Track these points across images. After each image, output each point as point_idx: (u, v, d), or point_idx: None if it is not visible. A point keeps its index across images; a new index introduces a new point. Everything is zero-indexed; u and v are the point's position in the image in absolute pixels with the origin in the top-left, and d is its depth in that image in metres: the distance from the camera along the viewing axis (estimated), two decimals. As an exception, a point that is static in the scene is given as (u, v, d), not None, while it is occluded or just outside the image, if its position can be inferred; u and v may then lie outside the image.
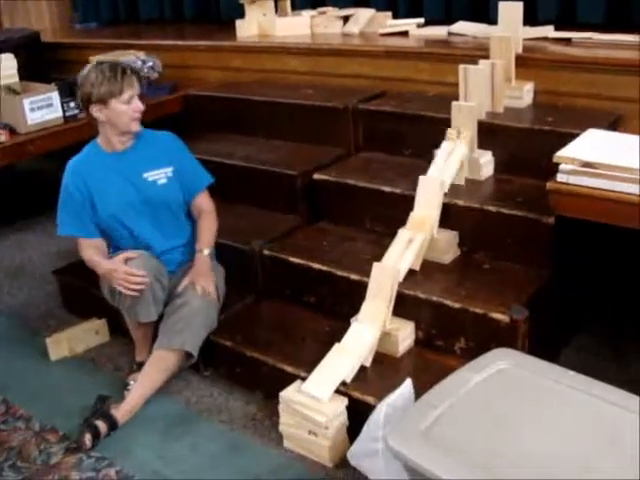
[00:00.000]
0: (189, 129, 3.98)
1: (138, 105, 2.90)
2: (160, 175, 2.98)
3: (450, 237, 2.88)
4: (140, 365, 2.95)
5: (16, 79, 3.97)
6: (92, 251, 2.94)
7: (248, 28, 4.46)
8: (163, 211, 3.00)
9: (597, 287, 3.12)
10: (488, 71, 3.19)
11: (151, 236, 3.01)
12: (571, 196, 2.40)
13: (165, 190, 2.98)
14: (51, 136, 3.72)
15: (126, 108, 2.86)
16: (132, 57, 4.22)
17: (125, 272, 2.78)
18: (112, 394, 2.88)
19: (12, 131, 3.65)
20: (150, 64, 4.25)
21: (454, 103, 3.05)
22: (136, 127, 2.93)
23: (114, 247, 3.04)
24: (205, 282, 2.91)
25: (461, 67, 3.16)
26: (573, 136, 2.64)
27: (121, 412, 2.74)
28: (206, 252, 2.98)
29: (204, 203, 3.08)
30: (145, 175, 2.96)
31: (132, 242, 2.99)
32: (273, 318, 3.09)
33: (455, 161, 2.98)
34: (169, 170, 3.00)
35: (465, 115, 3.00)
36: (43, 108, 3.70)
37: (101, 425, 2.67)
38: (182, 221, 3.08)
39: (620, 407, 1.93)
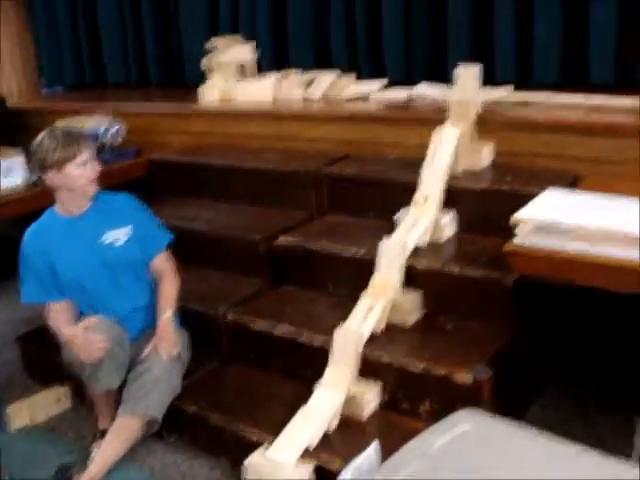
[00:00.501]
0: (153, 194, 4.00)
1: (93, 168, 2.93)
2: (119, 236, 2.98)
3: (413, 299, 2.89)
4: (103, 433, 2.91)
5: (-19, 144, 3.97)
6: (58, 316, 2.93)
7: (211, 93, 4.50)
8: (124, 273, 2.99)
9: (561, 344, 3.14)
10: (452, 134, 3.25)
11: (113, 299, 2.99)
12: (529, 257, 2.43)
13: (124, 251, 2.98)
14: (17, 202, 3.69)
15: (81, 172, 2.88)
16: (96, 122, 4.24)
17: (85, 339, 2.76)
18: (75, 463, 2.83)
19: (-23, 196, 3.64)
20: (114, 129, 4.26)
21: (424, 165, 3.11)
22: (93, 190, 2.96)
23: (76, 313, 3.02)
24: (168, 346, 2.89)
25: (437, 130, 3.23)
26: (532, 196, 2.68)
27: None
28: (168, 315, 2.96)
29: (164, 264, 3.07)
30: (104, 237, 2.96)
31: (94, 306, 2.97)
32: (237, 383, 3.06)
33: (422, 225, 3.02)
34: (128, 230, 3.00)
35: (432, 178, 3.05)
36: (8, 173, 3.69)
37: None
38: (144, 282, 3.07)
39: (586, 466, 1.94)
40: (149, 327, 3.00)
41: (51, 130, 2.96)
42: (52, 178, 2.88)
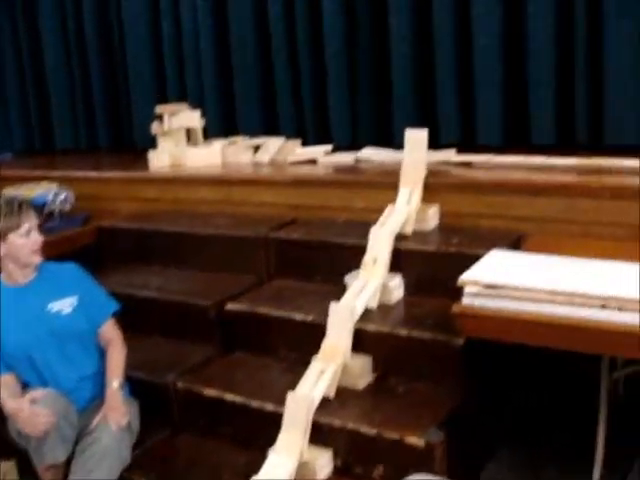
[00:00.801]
0: (102, 261, 3.98)
1: (37, 238, 2.92)
2: (64, 306, 2.95)
3: (363, 363, 2.89)
4: (52, 507, 2.85)
5: None
6: (2, 389, 2.86)
7: (160, 158, 4.52)
8: (70, 342, 2.95)
9: (513, 403, 3.16)
10: (403, 196, 3.30)
11: (60, 369, 2.94)
12: (476, 318, 2.45)
13: (71, 320, 2.94)
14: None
15: (25, 241, 2.87)
16: (44, 189, 4.22)
17: (30, 413, 2.71)
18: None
19: None
20: (62, 197, 4.24)
21: (373, 228, 3.14)
22: (37, 259, 2.94)
23: (22, 384, 2.96)
24: (117, 416, 2.84)
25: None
26: (478, 257, 2.73)
27: None
28: (116, 384, 2.92)
29: (111, 332, 3.04)
30: (50, 306, 2.93)
31: (41, 377, 2.92)
32: (189, 452, 3.01)
33: (371, 288, 3.04)
34: (73, 300, 2.97)
35: (381, 240, 3.09)
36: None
37: None
38: (92, 351, 3.02)
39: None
40: (98, 397, 2.95)
41: None
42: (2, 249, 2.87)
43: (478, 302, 2.45)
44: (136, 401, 3.04)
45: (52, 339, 2.92)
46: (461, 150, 3.89)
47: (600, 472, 2.62)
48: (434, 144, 4.02)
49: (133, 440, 2.94)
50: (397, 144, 4.19)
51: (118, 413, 2.85)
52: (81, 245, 4.04)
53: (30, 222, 2.90)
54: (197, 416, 3.09)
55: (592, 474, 2.61)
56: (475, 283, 2.46)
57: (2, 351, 2.88)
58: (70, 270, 3.06)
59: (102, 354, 3.04)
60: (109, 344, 3.02)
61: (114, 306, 3.09)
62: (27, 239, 2.87)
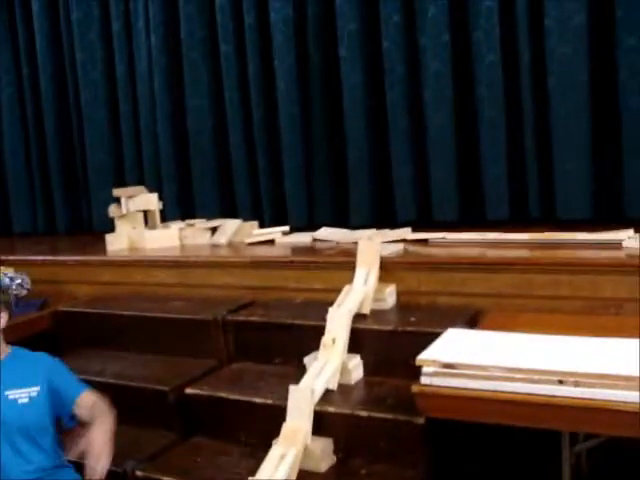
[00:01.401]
0: (59, 346, 3.92)
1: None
2: (22, 394, 2.85)
3: (324, 445, 2.86)
4: None
5: None
6: None
7: (118, 241, 4.53)
8: (19, 434, 2.83)
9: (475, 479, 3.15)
10: (361, 276, 3.34)
11: (6, 460, 2.82)
12: (435, 397, 2.46)
13: (24, 410, 2.83)
14: None
15: None
16: (0, 274, 4.19)
17: None
18: None
19: None
20: (19, 281, 4.20)
21: (331, 308, 3.16)
22: None
23: None
24: None
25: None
26: (436, 335, 2.76)
27: None
28: (99, 469, 2.72)
29: (90, 403, 2.89)
30: (7, 393, 2.84)
31: None
32: None
33: (330, 369, 3.03)
34: (34, 390, 2.86)
35: (340, 320, 3.10)
36: None
37: None
38: (44, 446, 2.88)
39: None
40: None
41: None
42: (4, 318, 2.87)
43: (436, 381, 2.46)
44: None
45: (2, 427, 2.81)
46: (417, 228, 3.95)
47: None
48: (391, 223, 4.10)
49: None
50: (353, 224, 4.27)
51: None
52: (38, 330, 3.98)
53: None
54: (157, 505, 3.03)
55: None
56: (433, 362, 2.47)
57: None
58: (39, 360, 2.98)
59: (59, 450, 2.93)
60: (93, 420, 2.85)
61: (84, 386, 2.98)
62: None
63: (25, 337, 3.58)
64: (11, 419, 2.83)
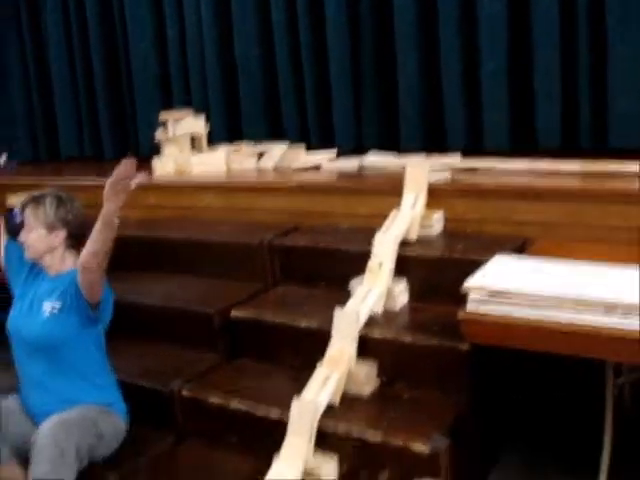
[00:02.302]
0: (107, 269, 3.96)
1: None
2: (47, 307, 2.92)
3: (368, 369, 2.88)
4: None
5: None
6: None
7: (165, 165, 4.52)
8: (37, 346, 2.93)
9: (519, 409, 3.15)
10: (408, 202, 3.31)
11: (22, 364, 2.98)
12: (481, 324, 2.45)
13: (43, 324, 2.91)
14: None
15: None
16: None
17: None
18: None
19: None
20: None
21: (378, 233, 3.14)
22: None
23: None
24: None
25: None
26: (482, 262, 2.73)
27: None
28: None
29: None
30: (43, 304, 2.94)
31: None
32: (193, 460, 3.00)
33: (376, 294, 3.03)
34: (56, 305, 2.92)
35: (387, 246, 3.08)
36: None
37: None
38: (55, 365, 2.93)
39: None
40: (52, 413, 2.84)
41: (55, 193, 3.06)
42: (60, 235, 2.98)
43: (483, 308, 2.44)
44: (115, 413, 2.99)
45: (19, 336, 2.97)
46: (466, 155, 3.88)
47: (606, 478, 2.61)
48: (440, 148, 4.03)
49: (105, 449, 2.91)
50: (403, 149, 4.21)
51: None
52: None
53: None
54: (202, 424, 3.08)
55: (598, 480, 2.61)
56: (480, 289, 2.46)
57: None
58: (69, 274, 3.01)
59: (68, 377, 2.96)
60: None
61: None
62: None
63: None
64: (33, 331, 2.92)
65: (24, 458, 2.76)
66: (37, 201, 3.00)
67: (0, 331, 3.09)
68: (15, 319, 3.01)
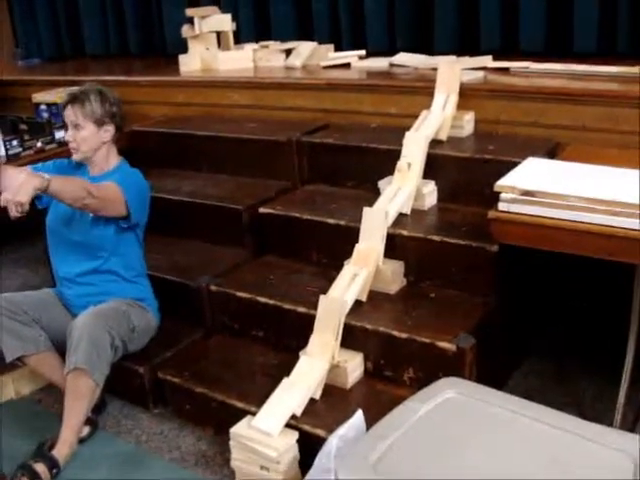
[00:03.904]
0: (134, 165, 3.94)
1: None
2: None
3: (396, 267, 2.90)
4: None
5: (-43, 118, 3.93)
6: None
7: (191, 62, 4.48)
8: (82, 248, 2.97)
9: (543, 310, 3.17)
10: (440, 102, 3.27)
11: (61, 263, 3.03)
12: (512, 224, 2.43)
13: (91, 225, 2.93)
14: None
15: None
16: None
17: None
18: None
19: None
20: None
21: (408, 133, 3.11)
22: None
23: None
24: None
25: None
26: (513, 164, 2.69)
27: (60, 452, 2.69)
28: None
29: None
30: None
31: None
32: (221, 353, 3.06)
33: (404, 193, 3.02)
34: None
35: (416, 145, 3.06)
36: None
37: (40, 468, 2.62)
38: (94, 256, 2.99)
39: (564, 430, 1.97)
40: (91, 303, 2.91)
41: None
42: (109, 130, 2.98)
43: (514, 208, 2.42)
44: (147, 308, 3.04)
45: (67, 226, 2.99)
46: (500, 57, 3.80)
47: (628, 384, 2.63)
48: (474, 50, 3.95)
49: (137, 342, 2.98)
50: (434, 51, 4.13)
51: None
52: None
53: None
54: (230, 318, 3.13)
55: (620, 386, 2.62)
56: (512, 189, 2.43)
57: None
58: (112, 175, 3.02)
59: (105, 273, 3.01)
60: None
61: (125, 191, 2.88)
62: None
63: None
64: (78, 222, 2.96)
65: (62, 347, 2.81)
66: (81, 98, 2.94)
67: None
68: (58, 219, 3.00)
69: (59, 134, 3.73)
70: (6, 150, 3.68)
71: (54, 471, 2.64)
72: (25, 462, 2.65)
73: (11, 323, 2.86)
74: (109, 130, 2.99)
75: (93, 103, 2.93)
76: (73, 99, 2.94)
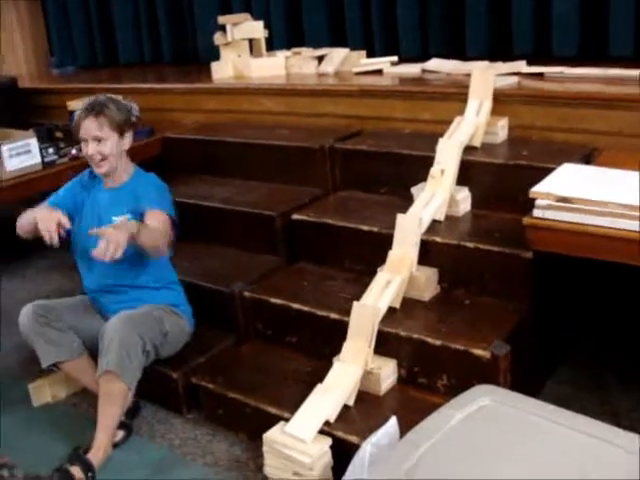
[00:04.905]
0: (167, 172, 3.95)
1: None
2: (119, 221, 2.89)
3: (429, 274, 2.88)
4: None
5: (-7, 126, 3.96)
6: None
7: (223, 70, 4.51)
8: None
9: (578, 318, 3.14)
10: (473, 108, 3.26)
11: (92, 273, 3.03)
12: (547, 231, 2.41)
13: None
14: (29, 182, 3.63)
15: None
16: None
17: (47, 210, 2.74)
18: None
19: (-10, 178, 3.62)
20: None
21: (441, 139, 3.10)
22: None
23: None
24: (113, 233, 2.61)
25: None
26: (548, 170, 2.67)
27: (95, 456, 2.71)
28: (133, 222, 2.77)
29: (157, 220, 2.84)
30: (113, 219, 2.92)
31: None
32: (255, 359, 3.06)
33: (438, 200, 3.01)
34: (126, 218, 2.89)
35: (450, 152, 3.05)
36: (21, 154, 3.64)
37: (76, 471, 2.64)
38: (133, 271, 2.99)
39: (599, 439, 1.94)
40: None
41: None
42: (129, 137, 2.99)
43: (550, 214, 2.40)
44: (181, 314, 3.05)
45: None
46: (533, 62, 3.78)
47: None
48: (506, 55, 3.93)
49: (170, 348, 2.99)
50: (467, 56, 4.11)
51: (115, 230, 2.64)
52: (148, 156, 4.02)
53: None
54: (263, 324, 3.13)
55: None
56: (547, 195, 2.41)
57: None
58: (131, 185, 3.03)
59: (138, 281, 3.02)
60: None
61: (163, 206, 2.92)
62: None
63: (136, 163, 3.64)
64: None
65: (97, 352, 2.81)
66: (100, 109, 2.88)
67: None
68: (84, 239, 2.91)
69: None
70: (42, 157, 3.72)
71: (90, 475, 2.66)
72: (61, 465, 2.67)
73: (46, 330, 2.90)
74: (128, 137, 2.99)
75: (113, 112, 2.91)
76: (93, 110, 2.88)
